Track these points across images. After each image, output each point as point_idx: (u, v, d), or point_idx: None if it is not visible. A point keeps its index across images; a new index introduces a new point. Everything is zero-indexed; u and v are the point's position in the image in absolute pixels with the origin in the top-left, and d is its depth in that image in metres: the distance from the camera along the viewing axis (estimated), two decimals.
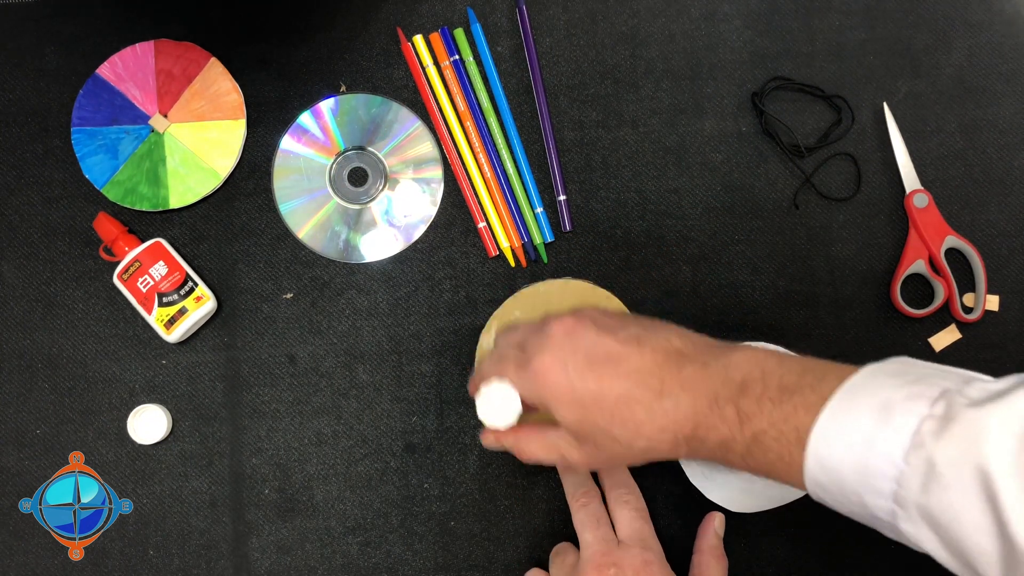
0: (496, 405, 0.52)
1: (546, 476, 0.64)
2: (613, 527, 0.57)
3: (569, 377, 0.48)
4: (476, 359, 0.64)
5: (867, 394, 0.41)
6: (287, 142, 0.67)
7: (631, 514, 0.57)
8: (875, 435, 0.40)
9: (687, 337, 0.49)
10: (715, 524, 0.61)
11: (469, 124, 0.66)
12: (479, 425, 0.64)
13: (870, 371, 0.43)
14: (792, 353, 0.48)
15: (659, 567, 0.54)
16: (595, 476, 0.61)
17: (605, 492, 0.59)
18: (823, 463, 0.42)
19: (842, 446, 0.41)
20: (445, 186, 0.66)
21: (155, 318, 0.63)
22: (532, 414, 0.54)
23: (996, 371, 0.63)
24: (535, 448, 0.52)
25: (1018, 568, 0.37)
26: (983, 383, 0.40)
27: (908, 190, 0.65)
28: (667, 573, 0.54)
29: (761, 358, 0.45)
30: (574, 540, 0.63)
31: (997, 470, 0.37)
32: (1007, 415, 0.38)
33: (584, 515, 0.57)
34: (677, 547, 0.63)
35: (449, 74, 0.67)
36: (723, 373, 0.45)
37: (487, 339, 0.64)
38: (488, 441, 0.55)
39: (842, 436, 0.41)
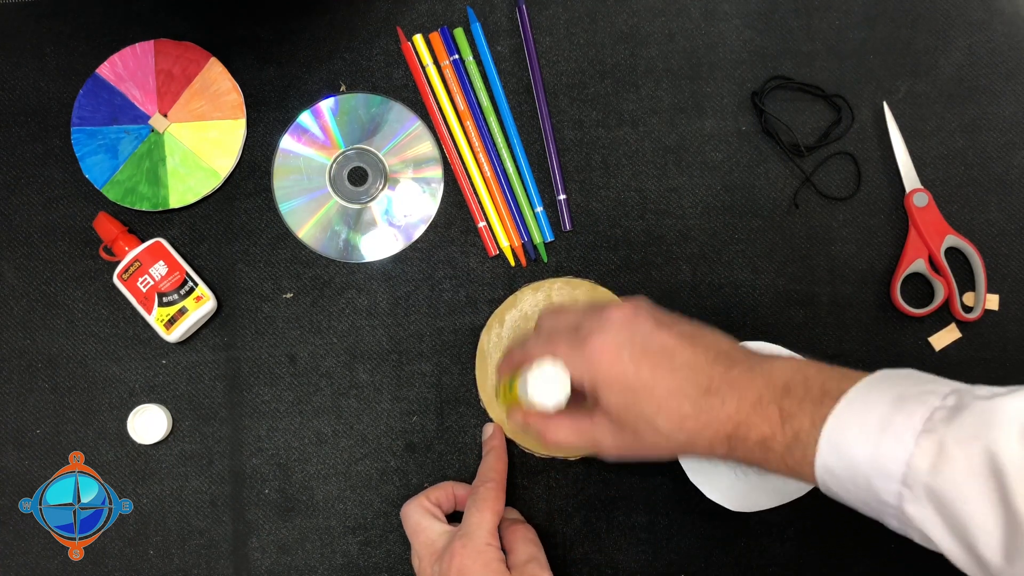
0: (546, 384, 0.51)
1: (546, 476, 0.64)
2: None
3: (624, 362, 0.49)
4: (476, 360, 0.64)
5: (882, 388, 0.43)
6: (287, 142, 0.67)
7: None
8: (888, 420, 0.42)
9: (732, 342, 0.51)
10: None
11: (469, 124, 0.66)
12: (480, 424, 0.64)
13: (885, 373, 0.45)
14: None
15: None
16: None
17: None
18: (836, 447, 0.43)
19: (857, 430, 0.43)
20: (445, 186, 0.66)
21: (155, 318, 0.63)
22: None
23: (996, 370, 0.64)
24: (566, 433, 0.53)
25: (1019, 547, 0.39)
26: (989, 387, 0.43)
27: (908, 189, 0.65)
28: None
29: (803, 365, 0.47)
30: (569, 541, 0.63)
31: (1005, 451, 0.39)
32: (1015, 405, 0.40)
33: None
34: (676, 545, 0.63)
35: (449, 74, 0.67)
36: (767, 376, 0.47)
37: (487, 338, 0.64)
38: (517, 421, 0.55)
39: (857, 421, 0.43)
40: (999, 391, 0.42)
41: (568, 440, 0.53)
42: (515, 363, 0.55)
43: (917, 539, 0.43)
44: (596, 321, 0.51)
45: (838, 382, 0.45)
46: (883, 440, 0.42)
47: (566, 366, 0.51)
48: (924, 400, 0.42)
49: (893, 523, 0.44)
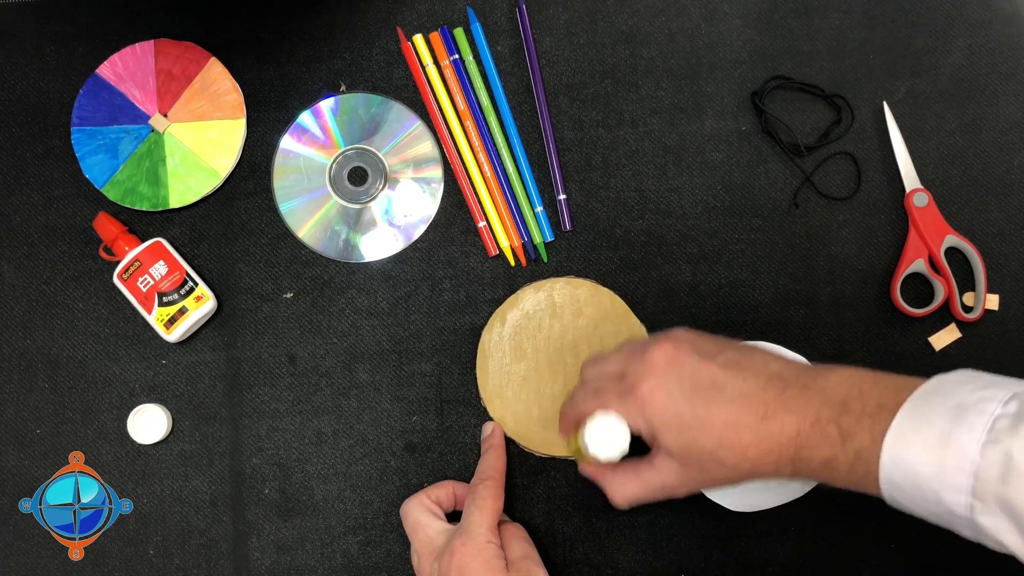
0: (606, 436, 0.51)
1: (545, 476, 0.64)
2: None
3: (676, 403, 0.49)
4: (478, 357, 0.64)
5: (940, 398, 0.43)
6: (287, 142, 0.67)
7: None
8: (950, 432, 0.41)
9: (782, 360, 0.50)
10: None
11: (469, 123, 0.66)
12: (480, 424, 0.64)
13: (939, 379, 0.45)
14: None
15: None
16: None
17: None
18: (899, 463, 0.43)
19: (918, 445, 0.42)
20: (445, 185, 0.66)
21: (155, 318, 0.63)
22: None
23: (996, 370, 0.63)
24: (634, 489, 0.53)
25: None
26: None
27: (908, 189, 0.65)
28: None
29: (858, 378, 0.47)
30: (569, 541, 0.63)
31: None
32: None
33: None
34: (676, 545, 0.63)
35: (449, 73, 0.67)
36: (822, 394, 0.47)
37: (488, 338, 0.64)
38: (586, 473, 0.56)
39: (918, 435, 0.42)
40: None
41: (637, 494, 0.53)
42: (571, 422, 0.55)
43: (992, 547, 0.43)
44: (640, 366, 0.51)
45: (895, 394, 0.45)
46: (947, 454, 0.41)
47: (620, 415, 0.51)
48: (984, 409, 0.42)
49: (967, 532, 0.43)
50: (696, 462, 0.49)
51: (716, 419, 0.48)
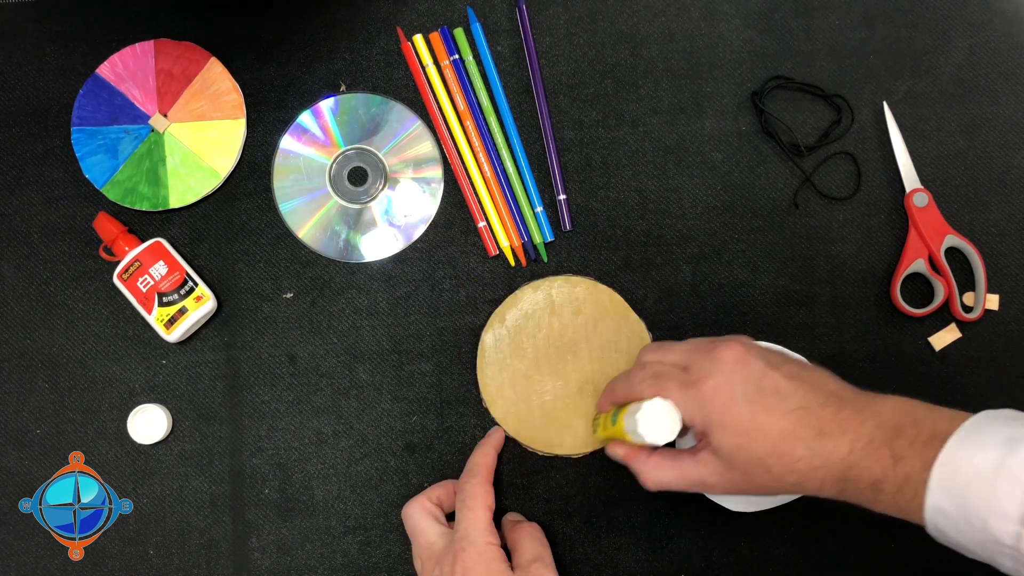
0: (658, 421, 0.51)
1: (546, 476, 0.64)
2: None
3: (738, 404, 0.49)
4: (478, 357, 0.64)
5: (992, 430, 0.44)
6: (287, 142, 0.67)
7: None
8: (1003, 461, 0.42)
9: (838, 381, 0.51)
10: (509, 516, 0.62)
11: (469, 123, 0.66)
12: (480, 424, 0.64)
13: (989, 413, 0.46)
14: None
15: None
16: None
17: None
18: (948, 489, 0.44)
19: (970, 472, 0.43)
20: (445, 186, 0.66)
21: (155, 318, 0.63)
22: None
23: (996, 370, 0.64)
24: (668, 475, 0.53)
25: None
26: None
27: (908, 189, 0.65)
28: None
29: (912, 406, 0.48)
30: (569, 541, 0.63)
31: None
32: None
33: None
34: (676, 546, 0.63)
35: (449, 74, 0.67)
36: (877, 418, 0.47)
37: (489, 337, 0.64)
38: (616, 454, 0.56)
39: (970, 463, 0.43)
40: None
41: (670, 482, 0.53)
42: (620, 399, 0.55)
43: None
44: (707, 361, 0.51)
45: (948, 423, 0.45)
46: (999, 482, 0.42)
47: (677, 405, 0.51)
48: None
49: (1007, 564, 0.44)
50: (742, 466, 0.49)
51: (774, 427, 0.48)
